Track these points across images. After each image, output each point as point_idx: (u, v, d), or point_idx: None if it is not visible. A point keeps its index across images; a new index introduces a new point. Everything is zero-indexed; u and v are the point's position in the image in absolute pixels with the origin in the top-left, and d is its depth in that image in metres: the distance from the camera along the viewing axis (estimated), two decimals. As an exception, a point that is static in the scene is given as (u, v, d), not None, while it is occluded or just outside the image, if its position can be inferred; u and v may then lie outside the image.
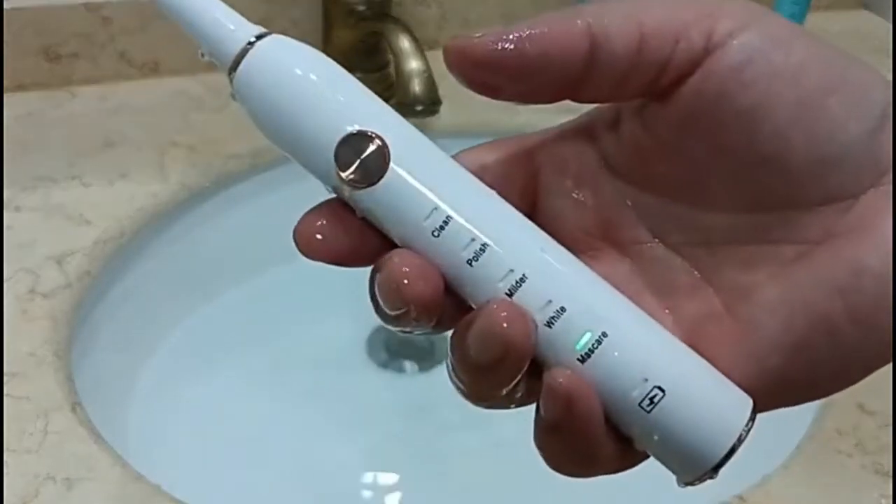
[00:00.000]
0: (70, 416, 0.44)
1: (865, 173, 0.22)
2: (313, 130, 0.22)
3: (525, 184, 0.25)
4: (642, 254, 0.25)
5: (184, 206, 0.60)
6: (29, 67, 0.65)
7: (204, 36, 0.23)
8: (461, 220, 0.22)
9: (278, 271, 0.65)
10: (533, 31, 0.22)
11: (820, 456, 0.45)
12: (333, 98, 0.23)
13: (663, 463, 0.23)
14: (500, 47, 0.22)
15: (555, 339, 0.22)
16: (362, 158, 0.22)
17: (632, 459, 0.23)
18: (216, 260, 0.63)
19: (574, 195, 0.25)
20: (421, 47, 0.61)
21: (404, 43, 0.61)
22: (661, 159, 0.24)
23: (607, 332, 0.22)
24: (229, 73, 0.23)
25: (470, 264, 0.22)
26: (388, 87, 0.67)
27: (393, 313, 0.22)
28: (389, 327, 0.23)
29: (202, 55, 0.23)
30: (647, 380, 0.22)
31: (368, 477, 0.57)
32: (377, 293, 0.23)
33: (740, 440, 0.22)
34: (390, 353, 0.64)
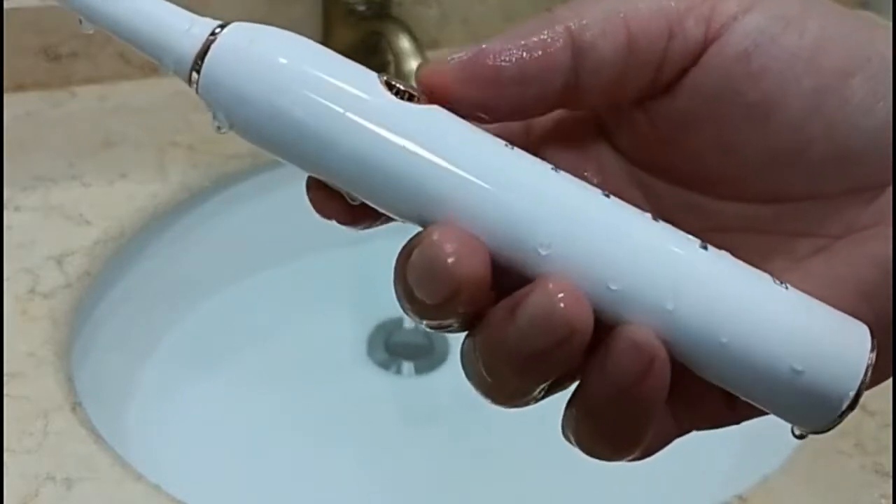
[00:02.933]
0: (70, 416, 0.44)
1: (889, 162, 0.20)
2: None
3: None
4: None
5: (184, 206, 0.60)
6: (29, 67, 0.65)
7: (155, 44, 0.21)
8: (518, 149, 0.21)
9: (278, 271, 0.64)
10: (506, 49, 0.20)
11: (820, 456, 0.45)
12: (326, 65, 0.20)
13: (788, 407, 0.20)
14: (472, 71, 0.20)
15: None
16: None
17: (670, 435, 0.22)
18: (216, 260, 0.63)
19: (577, 171, 0.22)
20: (421, 47, 0.61)
21: (404, 43, 0.61)
22: (664, 151, 0.22)
23: (706, 245, 0.20)
24: (190, 75, 0.21)
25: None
26: (388, 87, 0.67)
27: (435, 301, 0.19)
28: (423, 324, 0.21)
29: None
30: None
31: (368, 478, 0.57)
32: (414, 278, 0.20)
33: (868, 369, 0.20)
34: (390, 352, 0.64)
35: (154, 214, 0.58)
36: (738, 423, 0.22)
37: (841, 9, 0.21)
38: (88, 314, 0.53)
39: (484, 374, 0.20)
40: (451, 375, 0.63)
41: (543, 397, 0.21)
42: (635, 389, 0.19)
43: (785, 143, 0.20)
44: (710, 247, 0.20)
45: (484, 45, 0.21)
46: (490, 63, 0.20)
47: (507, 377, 0.20)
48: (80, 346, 0.51)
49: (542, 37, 0.20)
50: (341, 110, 0.20)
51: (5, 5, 0.62)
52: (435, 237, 0.19)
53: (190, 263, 0.62)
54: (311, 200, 0.21)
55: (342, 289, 0.67)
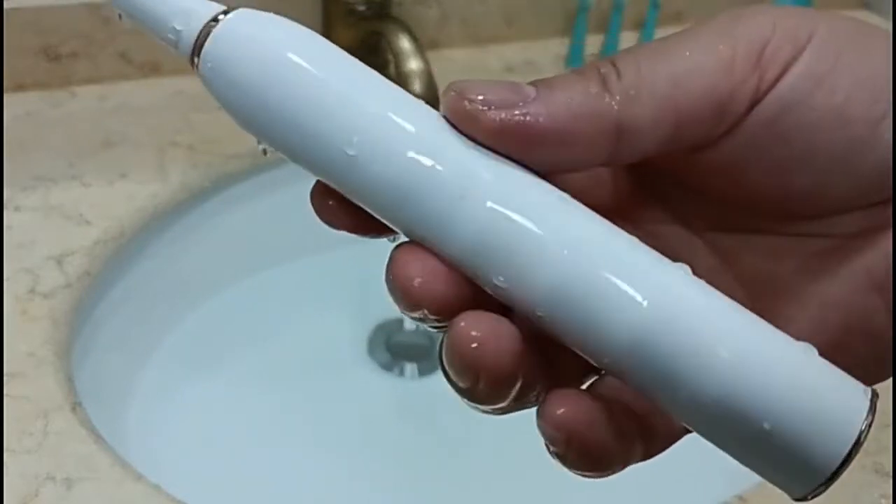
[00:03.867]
0: (70, 416, 0.44)
1: None
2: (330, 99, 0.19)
3: None
4: (658, 233, 0.22)
5: (184, 206, 0.60)
6: (29, 67, 0.65)
7: (159, 20, 0.20)
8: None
9: (278, 271, 0.65)
10: (552, 126, 0.19)
11: (820, 456, 0.45)
12: (337, 70, 0.20)
13: (768, 468, 0.19)
14: (511, 133, 0.19)
15: None
16: None
17: (656, 449, 0.22)
18: (216, 260, 0.63)
19: (590, 172, 0.22)
20: (421, 47, 0.61)
21: (404, 43, 0.61)
22: (680, 177, 0.22)
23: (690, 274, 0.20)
24: (192, 57, 0.20)
25: None
26: (388, 87, 0.67)
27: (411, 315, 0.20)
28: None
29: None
30: None
31: (369, 479, 0.57)
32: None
33: (860, 439, 0.19)
34: (391, 353, 0.64)
35: (154, 214, 0.58)
36: None
37: (871, 43, 0.20)
38: (88, 314, 0.53)
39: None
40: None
41: (517, 409, 0.21)
42: (568, 456, 0.20)
43: (808, 191, 0.20)
44: (695, 278, 0.20)
45: (527, 104, 0.19)
46: (531, 130, 0.19)
47: (466, 400, 0.20)
48: (80, 346, 0.51)
49: (590, 115, 0.19)
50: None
51: (5, 5, 0.62)
52: (398, 255, 0.20)
53: (190, 263, 0.62)
54: (315, 207, 0.21)
55: (343, 289, 0.67)
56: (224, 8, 0.20)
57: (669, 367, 0.18)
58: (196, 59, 0.20)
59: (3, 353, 0.46)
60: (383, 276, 0.21)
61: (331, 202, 0.21)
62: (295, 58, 0.20)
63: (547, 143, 0.19)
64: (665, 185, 0.23)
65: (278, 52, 0.20)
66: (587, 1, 0.74)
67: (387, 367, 0.64)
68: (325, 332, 0.65)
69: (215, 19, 0.20)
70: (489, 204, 0.19)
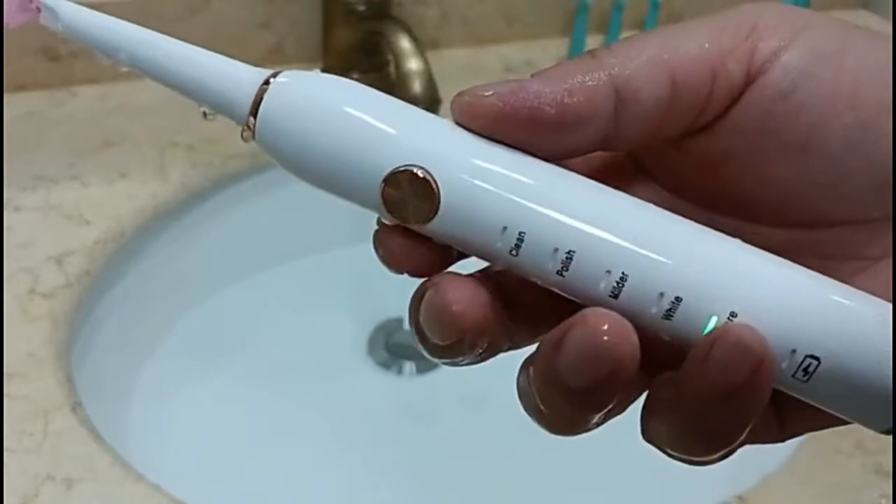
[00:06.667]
0: (70, 416, 0.44)
1: None
2: (352, 174, 0.20)
3: None
4: None
5: (184, 206, 0.60)
6: (29, 67, 0.65)
7: (207, 90, 0.22)
8: (537, 231, 0.20)
9: (278, 271, 0.65)
10: (547, 90, 0.20)
11: (820, 456, 0.45)
12: (371, 129, 0.20)
13: (855, 408, 0.21)
14: (511, 110, 0.20)
15: (676, 331, 0.20)
16: (408, 198, 0.20)
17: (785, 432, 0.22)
18: (216, 260, 0.63)
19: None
20: (421, 47, 0.61)
21: (404, 43, 0.61)
22: (701, 182, 0.22)
23: (736, 312, 0.19)
24: (248, 118, 0.21)
25: (561, 275, 0.20)
26: (389, 87, 0.67)
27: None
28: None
29: (204, 114, 0.22)
30: (794, 351, 0.19)
31: (369, 478, 0.57)
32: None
33: None
34: (390, 353, 0.64)
35: (154, 214, 0.58)
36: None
37: (878, 38, 0.20)
38: (88, 314, 0.53)
39: (540, 405, 0.20)
40: (452, 375, 0.63)
41: (601, 423, 0.21)
42: (742, 392, 0.19)
43: (824, 176, 0.20)
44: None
45: (525, 83, 0.20)
46: (530, 104, 0.20)
47: (561, 408, 0.20)
48: (80, 346, 0.51)
49: (584, 82, 0.20)
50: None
51: (5, 5, 0.62)
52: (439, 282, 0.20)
53: (190, 263, 0.62)
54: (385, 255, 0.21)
55: (342, 289, 0.67)
56: (272, 72, 0.21)
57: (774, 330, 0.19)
58: (253, 121, 0.21)
59: (3, 353, 0.46)
60: (390, 274, 0.21)
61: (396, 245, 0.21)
62: (350, 110, 0.20)
63: (549, 117, 0.20)
64: (690, 212, 0.22)
65: (335, 105, 0.21)
66: (587, 1, 0.74)
67: (386, 366, 0.64)
68: (324, 332, 0.65)
69: (266, 83, 0.21)
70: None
